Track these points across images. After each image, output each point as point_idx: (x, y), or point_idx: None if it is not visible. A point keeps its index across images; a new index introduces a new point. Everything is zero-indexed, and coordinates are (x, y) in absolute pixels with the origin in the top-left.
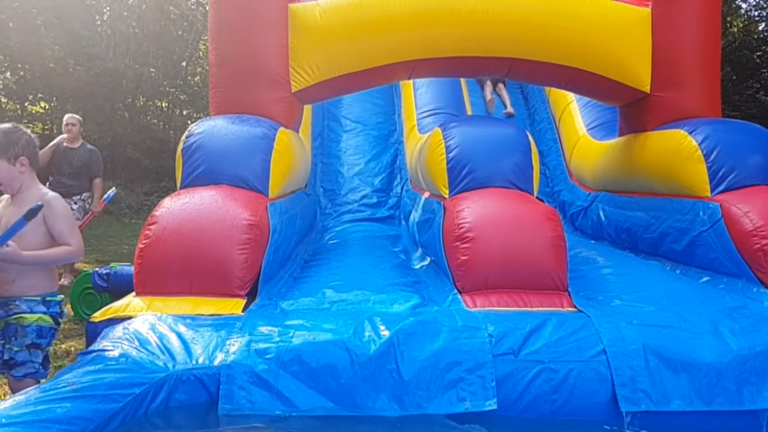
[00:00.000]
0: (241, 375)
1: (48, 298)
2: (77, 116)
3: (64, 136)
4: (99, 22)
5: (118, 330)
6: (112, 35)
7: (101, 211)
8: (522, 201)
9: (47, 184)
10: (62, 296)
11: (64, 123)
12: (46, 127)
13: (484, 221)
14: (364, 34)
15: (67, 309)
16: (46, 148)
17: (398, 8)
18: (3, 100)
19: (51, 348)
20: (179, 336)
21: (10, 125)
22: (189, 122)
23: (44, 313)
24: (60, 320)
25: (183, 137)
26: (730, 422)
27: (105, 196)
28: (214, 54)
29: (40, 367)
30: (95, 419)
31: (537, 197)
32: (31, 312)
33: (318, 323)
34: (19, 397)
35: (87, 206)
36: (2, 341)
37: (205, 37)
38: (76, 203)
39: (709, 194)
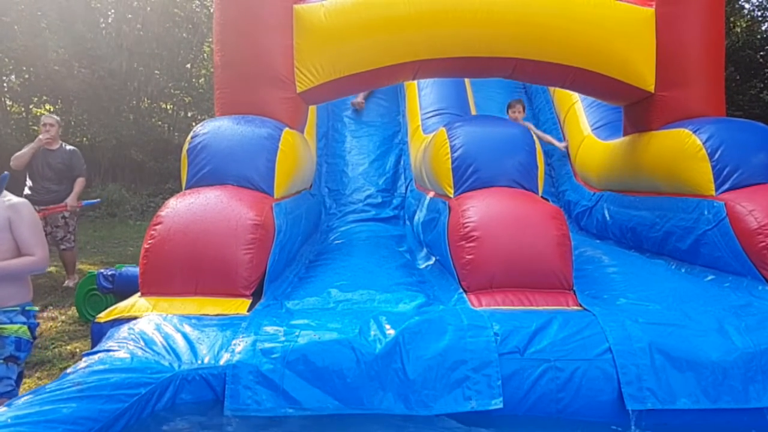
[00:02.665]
0: (247, 375)
1: (27, 308)
2: (55, 116)
3: (42, 137)
4: (103, 25)
5: (124, 330)
6: (116, 37)
7: (75, 207)
8: (527, 200)
9: (25, 189)
10: (37, 307)
11: (42, 123)
12: None
13: (489, 220)
14: (368, 35)
15: (72, 311)
16: (26, 149)
17: (403, 9)
18: (8, 102)
19: (57, 350)
20: (185, 336)
21: None
22: (194, 124)
23: (24, 323)
24: (35, 334)
25: (188, 138)
26: (736, 420)
27: (88, 201)
28: (219, 55)
29: (15, 386)
30: (101, 419)
31: (542, 196)
32: (11, 322)
33: (323, 323)
34: (25, 398)
35: (78, 211)
36: None
37: (210, 39)
38: (68, 210)
39: (713, 193)
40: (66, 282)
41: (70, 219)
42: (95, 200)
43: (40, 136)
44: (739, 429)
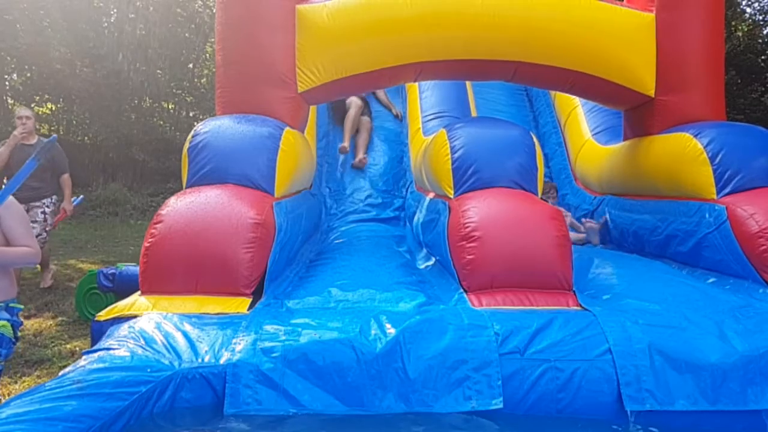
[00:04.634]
0: (247, 373)
1: (11, 305)
2: (30, 109)
3: (18, 132)
4: (106, 24)
5: (124, 328)
6: (119, 37)
7: (73, 210)
8: (527, 201)
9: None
10: (22, 306)
11: (17, 116)
12: (52, 128)
13: (489, 220)
14: (371, 36)
15: (72, 310)
16: (2, 148)
17: (405, 10)
18: (10, 101)
19: (56, 348)
20: (185, 335)
21: None
22: (195, 124)
23: (8, 320)
24: (19, 333)
25: (189, 136)
26: (734, 422)
27: (76, 200)
28: (221, 54)
29: None
30: (101, 417)
31: (542, 199)
32: None
33: (324, 322)
34: (25, 396)
35: (57, 209)
36: None
37: (212, 40)
38: (48, 207)
39: (714, 196)
40: (43, 282)
41: (50, 216)
42: (80, 198)
43: (15, 132)
44: (738, 431)
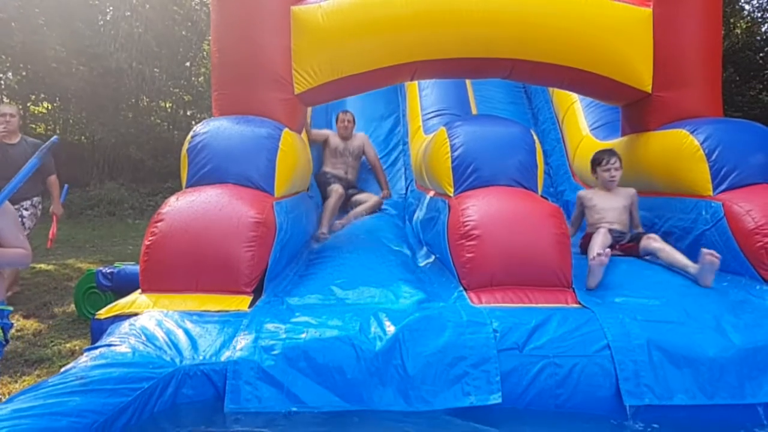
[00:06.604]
0: (248, 371)
1: (0, 308)
2: (14, 106)
3: None
4: (102, 22)
5: (125, 326)
6: (115, 35)
7: (62, 210)
8: (527, 199)
9: None
10: (11, 307)
11: (0, 113)
12: (48, 127)
13: (489, 219)
14: (366, 36)
15: (71, 309)
16: None
17: (400, 10)
18: (5, 100)
19: (56, 347)
20: (186, 332)
21: None
22: (193, 123)
23: None
24: (8, 336)
25: (188, 137)
26: (732, 416)
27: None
28: (217, 55)
29: None
30: (105, 412)
31: (541, 196)
32: None
33: (324, 320)
34: (29, 392)
35: (39, 212)
36: None
37: (209, 38)
38: (27, 209)
39: (711, 193)
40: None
41: (29, 219)
42: (65, 189)
43: None
44: (735, 424)
